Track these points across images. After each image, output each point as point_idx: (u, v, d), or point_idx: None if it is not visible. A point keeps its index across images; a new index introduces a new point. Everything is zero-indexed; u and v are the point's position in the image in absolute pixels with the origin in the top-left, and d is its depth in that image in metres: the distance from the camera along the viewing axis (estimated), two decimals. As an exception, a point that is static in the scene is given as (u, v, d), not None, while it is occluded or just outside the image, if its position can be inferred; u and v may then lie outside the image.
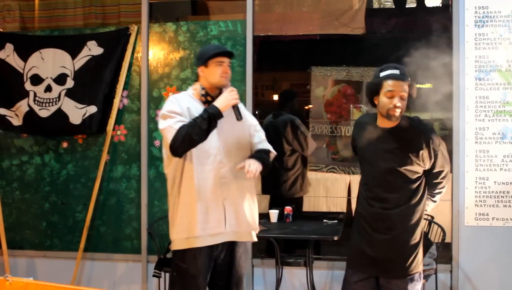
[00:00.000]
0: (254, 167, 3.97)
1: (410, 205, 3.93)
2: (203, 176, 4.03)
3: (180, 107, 4.03)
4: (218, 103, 3.97)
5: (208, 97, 4.12)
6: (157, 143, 6.20)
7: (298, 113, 7.22)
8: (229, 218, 4.09)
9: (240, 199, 4.14)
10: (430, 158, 3.93)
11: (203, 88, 4.14)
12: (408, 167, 3.89)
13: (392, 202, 3.91)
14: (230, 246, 4.17)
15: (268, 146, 4.28)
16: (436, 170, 3.98)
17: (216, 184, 4.06)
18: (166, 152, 4.08)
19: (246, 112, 4.34)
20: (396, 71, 3.88)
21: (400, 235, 3.93)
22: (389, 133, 3.95)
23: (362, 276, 4.04)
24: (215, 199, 4.06)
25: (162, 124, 4.00)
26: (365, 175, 4.08)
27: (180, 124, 3.90)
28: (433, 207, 4.22)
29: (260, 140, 4.27)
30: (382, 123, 3.98)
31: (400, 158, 3.90)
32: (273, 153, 4.31)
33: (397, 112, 3.83)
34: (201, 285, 4.08)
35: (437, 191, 4.10)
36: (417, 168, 3.91)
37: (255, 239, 4.29)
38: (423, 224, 4.03)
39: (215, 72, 4.09)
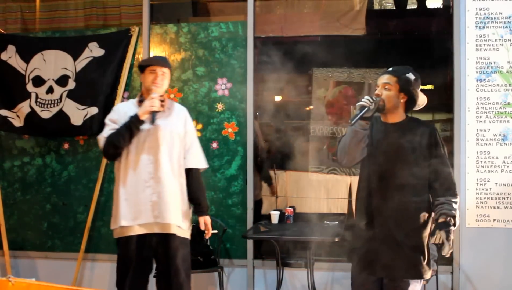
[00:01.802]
0: (209, 226, 4.77)
1: (413, 204, 3.91)
2: (132, 173, 4.53)
3: (117, 114, 4.58)
4: (140, 110, 4.46)
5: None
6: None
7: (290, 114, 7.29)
8: (155, 210, 4.52)
9: (167, 194, 4.53)
10: (428, 154, 3.92)
11: (141, 95, 4.66)
12: (411, 163, 3.89)
13: (395, 199, 3.90)
14: (166, 238, 4.57)
15: (196, 163, 4.77)
16: (433, 169, 3.96)
17: (144, 180, 4.52)
18: None
19: (190, 125, 4.79)
20: (388, 69, 4.03)
21: (403, 235, 3.91)
22: (393, 128, 3.98)
23: (369, 277, 4.03)
24: (141, 194, 4.52)
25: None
26: (370, 172, 4.06)
27: (110, 132, 4.47)
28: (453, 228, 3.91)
29: (189, 156, 4.74)
30: (384, 118, 4.03)
31: (403, 154, 3.91)
32: (203, 167, 4.85)
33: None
34: (135, 271, 4.60)
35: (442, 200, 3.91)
36: (420, 165, 3.91)
37: (183, 235, 4.64)
38: (428, 229, 3.98)
39: (148, 78, 4.57)
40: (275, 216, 5.88)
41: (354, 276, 4.12)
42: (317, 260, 5.92)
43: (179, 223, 4.58)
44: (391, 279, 3.96)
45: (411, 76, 3.96)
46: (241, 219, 6.08)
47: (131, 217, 4.53)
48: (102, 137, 4.49)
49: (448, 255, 3.80)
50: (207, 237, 4.82)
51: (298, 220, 5.99)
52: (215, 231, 5.73)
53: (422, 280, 4.03)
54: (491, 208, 5.55)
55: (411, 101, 3.98)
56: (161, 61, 4.66)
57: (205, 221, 4.73)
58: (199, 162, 4.78)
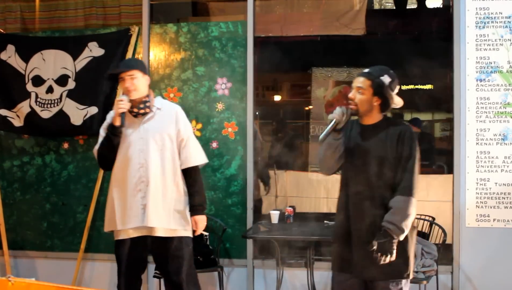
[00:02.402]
0: (201, 227, 4.72)
1: (385, 204, 3.91)
2: (121, 177, 4.56)
3: (106, 123, 4.62)
4: (111, 116, 4.53)
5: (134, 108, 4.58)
6: (158, 144, 6.20)
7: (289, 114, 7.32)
8: (146, 214, 4.49)
9: (157, 198, 4.52)
10: (398, 155, 3.92)
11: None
12: (385, 163, 3.90)
13: (374, 200, 3.91)
14: (163, 240, 4.58)
15: (193, 161, 4.70)
16: (399, 170, 3.92)
17: (134, 183, 4.52)
18: None
19: (181, 122, 4.69)
20: (365, 70, 4.07)
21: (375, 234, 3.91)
22: (368, 130, 4.01)
23: (348, 277, 4.03)
24: (132, 198, 4.51)
25: None
26: (346, 173, 4.08)
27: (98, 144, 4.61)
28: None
29: (185, 154, 4.67)
30: (361, 119, 4.07)
31: (379, 155, 3.92)
32: (200, 164, 4.76)
33: (350, 103, 3.98)
34: (127, 271, 4.64)
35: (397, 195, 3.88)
36: (389, 164, 3.91)
37: (181, 235, 4.63)
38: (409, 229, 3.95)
39: (122, 87, 4.60)
40: (275, 215, 5.87)
41: (334, 276, 4.15)
42: (317, 260, 5.92)
43: (173, 225, 4.59)
44: (371, 281, 3.96)
45: (386, 78, 3.95)
46: (241, 219, 6.08)
47: (123, 221, 4.55)
48: (95, 150, 4.65)
49: (381, 263, 3.79)
50: (195, 234, 4.75)
51: (298, 219, 5.99)
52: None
53: (407, 279, 3.99)
54: (491, 208, 5.55)
55: (385, 103, 3.98)
56: (125, 66, 4.63)
57: (195, 219, 4.67)
58: (196, 159, 4.71)
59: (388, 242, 3.76)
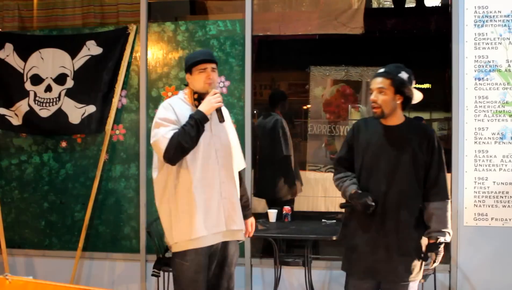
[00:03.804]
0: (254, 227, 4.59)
1: (412, 206, 3.92)
2: (201, 177, 4.13)
3: (174, 114, 4.12)
4: (203, 107, 4.09)
5: (201, 101, 4.18)
6: (156, 142, 6.20)
7: (288, 113, 7.32)
8: (227, 217, 4.21)
9: (235, 198, 4.29)
10: (428, 159, 3.93)
11: (195, 93, 4.24)
12: (409, 165, 3.90)
13: (404, 204, 3.90)
14: (224, 245, 4.28)
15: (241, 164, 4.50)
16: (431, 174, 3.97)
17: (214, 184, 4.18)
18: (158, 158, 4.18)
19: (228, 120, 4.47)
20: (381, 70, 4.00)
21: (404, 237, 3.91)
22: (393, 130, 3.98)
23: (367, 281, 4.02)
24: (213, 200, 4.17)
25: (154, 133, 4.10)
26: (368, 176, 4.05)
27: (171, 133, 4.00)
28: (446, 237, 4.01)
29: (237, 156, 4.44)
30: (384, 121, 4.02)
31: (402, 156, 3.91)
32: (243, 166, 4.55)
33: (374, 106, 3.95)
34: (202, 282, 4.17)
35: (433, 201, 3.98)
36: (418, 167, 3.91)
37: (243, 238, 4.51)
38: (421, 230, 4.00)
39: (199, 79, 4.19)
40: (272, 214, 5.87)
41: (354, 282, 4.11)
42: (315, 259, 5.92)
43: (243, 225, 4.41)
44: (389, 282, 3.96)
45: (404, 75, 3.94)
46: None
47: (205, 226, 4.13)
48: (163, 138, 3.99)
49: (431, 267, 4.04)
50: (250, 235, 4.60)
51: (296, 218, 5.99)
52: None
53: (418, 279, 4.04)
54: (489, 206, 5.55)
55: (407, 100, 3.97)
56: (210, 56, 4.33)
57: (252, 222, 4.55)
58: (243, 161, 4.56)
59: (441, 250, 3.94)
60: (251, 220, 4.56)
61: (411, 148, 3.90)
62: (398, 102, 3.94)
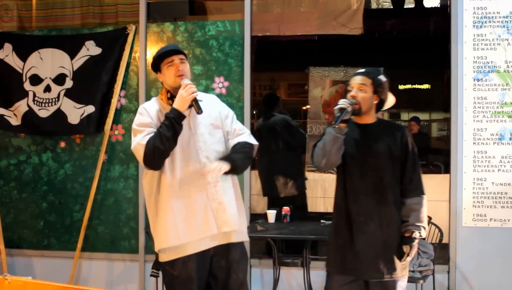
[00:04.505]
0: (214, 166, 3.78)
1: (388, 203, 3.92)
2: (183, 180, 3.87)
3: (149, 117, 3.88)
4: (176, 104, 3.78)
5: (174, 99, 3.88)
6: (155, 143, 6.20)
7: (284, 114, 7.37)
8: (217, 219, 3.87)
9: (226, 198, 3.94)
10: (403, 155, 3.96)
11: (168, 92, 3.97)
12: (386, 164, 3.91)
13: (380, 200, 3.91)
14: (225, 250, 3.94)
15: (246, 139, 4.06)
16: (407, 169, 3.99)
17: (198, 186, 3.87)
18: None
19: (220, 105, 4.16)
20: (361, 70, 4.05)
21: (387, 234, 3.92)
22: (366, 129, 4.01)
23: (349, 279, 4.01)
24: (197, 203, 3.86)
25: (132, 142, 3.88)
26: (346, 173, 4.04)
27: (147, 138, 3.76)
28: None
29: (237, 134, 4.06)
30: (357, 119, 4.04)
31: (380, 153, 3.94)
32: (254, 144, 4.10)
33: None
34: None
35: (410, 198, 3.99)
36: (394, 161, 3.94)
37: (247, 238, 4.13)
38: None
39: (169, 74, 3.91)
40: (271, 215, 5.87)
41: (334, 279, 4.08)
42: (314, 259, 5.92)
43: (238, 226, 4.00)
44: (377, 279, 3.95)
45: (382, 78, 4.00)
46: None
47: (187, 232, 3.86)
48: (139, 145, 3.78)
49: (403, 262, 3.92)
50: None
51: (295, 219, 5.99)
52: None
53: (406, 276, 4.03)
54: (487, 207, 5.55)
55: (381, 103, 4.02)
56: (175, 47, 4.05)
57: (216, 168, 3.81)
58: (251, 139, 4.13)
59: (415, 244, 3.92)
60: (219, 163, 3.82)
61: (386, 144, 3.94)
62: (375, 102, 3.99)
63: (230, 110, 4.18)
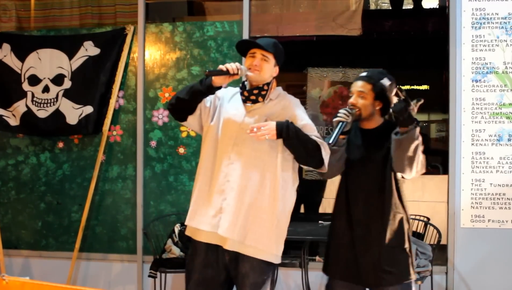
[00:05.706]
0: (264, 128, 3.60)
1: (390, 206, 3.89)
2: (208, 170, 3.72)
3: (219, 92, 4.03)
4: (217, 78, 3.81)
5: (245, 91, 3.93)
6: (153, 143, 6.20)
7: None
8: (223, 221, 3.61)
9: (247, 207, 3.65)
10: None
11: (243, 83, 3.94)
12: (387, 168, 3.88)
13: (380, 205, 3.88)
14: (236, 259, 3.67)
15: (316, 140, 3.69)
16: None
17: (219, 179, 3.67)
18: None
19: (297, 107, 3.92)
20: (363, 73, 3.98)
21: (389, 239, 3.89)
22: (369, 134, 3.98)
23: (348, 285, 3.97)
24: (213, 194, 3.66)
25: None
26: (347, 178, 4.02)
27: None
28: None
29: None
30: (361, 124, 4.01)
31: (380, 159, 3.90)
32: (323, 145, 3.69)
33: (352, 108, 3.89)
34: (195, 283, 3.70)
35: None
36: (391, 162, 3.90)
37: (267, 258, 3.75)
38: (407, 231, 3.95)
39: (246, 64, 3.88)
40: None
41: (334, 284, 4.05)
42: (312, 260, 5.92)
43: (240, 238, 3.66)
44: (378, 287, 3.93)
45: (386, 81, 3.90)
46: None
47: (197, 216, 3.71)
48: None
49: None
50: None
51: (293, 219, 5.98)
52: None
53: (413, 280, 4.00)
54: (486, 208, 5.55)
55: (386, 107, 3.94)
56: (262, 44, 3.87)
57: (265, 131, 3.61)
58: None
59: (405, 106, 3.67)
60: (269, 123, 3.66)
61: (386, 148, 3.86)
62: (377, 108, 3.92)
63: (306, 120, 3.83)
